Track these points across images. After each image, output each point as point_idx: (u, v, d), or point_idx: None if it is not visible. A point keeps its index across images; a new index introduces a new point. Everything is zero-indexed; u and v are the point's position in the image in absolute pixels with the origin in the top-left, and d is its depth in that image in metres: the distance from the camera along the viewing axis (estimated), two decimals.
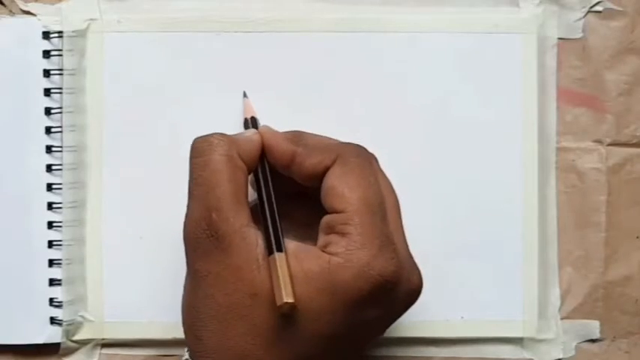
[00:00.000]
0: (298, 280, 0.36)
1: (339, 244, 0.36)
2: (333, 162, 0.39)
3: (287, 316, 0.35)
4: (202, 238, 0.37)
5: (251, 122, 0.44)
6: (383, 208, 0.38)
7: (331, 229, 0.37)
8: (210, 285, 0.37)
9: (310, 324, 0.36)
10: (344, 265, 0.36)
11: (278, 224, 0.38)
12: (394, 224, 0.38)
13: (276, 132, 0.41)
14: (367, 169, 0.39)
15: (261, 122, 0.44)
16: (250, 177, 0.40)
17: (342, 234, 0.37)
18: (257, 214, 0.39)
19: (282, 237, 0.37)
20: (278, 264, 0.35)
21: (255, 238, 0.37)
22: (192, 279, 0.38)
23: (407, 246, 0.39)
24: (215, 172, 0.38)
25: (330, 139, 0.41)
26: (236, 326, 0.36)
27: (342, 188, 0.38)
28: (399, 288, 0.37)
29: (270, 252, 0.36)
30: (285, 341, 0.36)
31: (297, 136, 0.41)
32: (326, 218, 0.38)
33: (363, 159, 0.39)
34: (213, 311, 0.37)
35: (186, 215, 0.38)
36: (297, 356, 0.36)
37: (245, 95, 0.46)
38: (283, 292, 0.35)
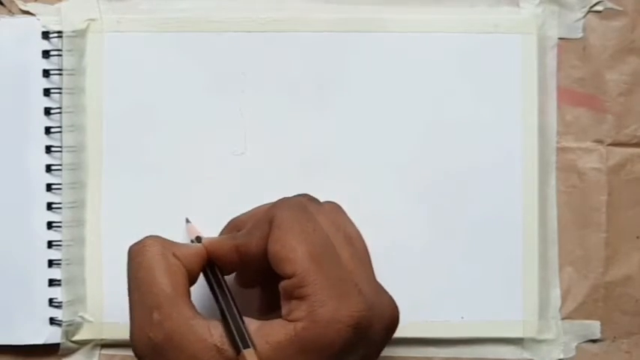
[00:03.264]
0: (269, 357, 0.35)
1: (300, 309, 0.36)
2: (269, 229, 0.38)
3: None
4: (151, 341, 0.36)
5: (196, 241, 0.43)
6: (332, 251, 0.38)
7: (290, 295, 0.37)
8: None
9: None
10: (310, 328, 0.35)
11: (238, 319, 0.37)
12: (352, 262, 0.38)
13: (218, 237, 0.41)
14: (302, 220, 0.38)
15: (263, 121, 0.44)
16: None
17: (301, 297, 0.36)
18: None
19: (245, 330, 0.36)
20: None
21: (206, 328, 0.36)
22: None
23: (372, 277, 0.39)
24: (149, 270, 0.38)
25: (262, 207, 0.42)
26: None
27: (284, 252, 0.37)
28: (373, 327, 0.37)
29: (237, 350, 0.36)
30: None
31: (234, 228, 0.41)
32: (282, 285, 0.37)
33: (294, 211, 0.38)
34: None
35: (130, 322, 0.38)
36: None
37: (188, 221, 0.46)
38: None
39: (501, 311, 0.47)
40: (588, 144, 0.48)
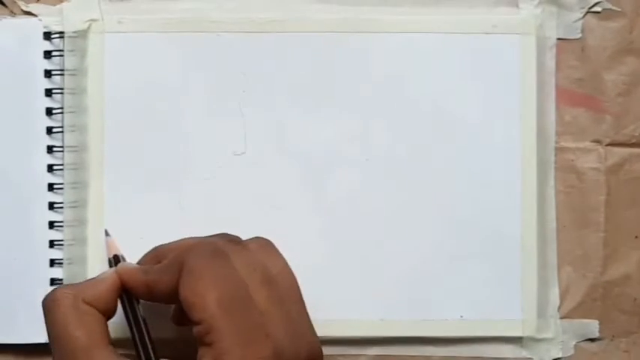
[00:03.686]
0: None
1: (208, 356, 0.36)
2: (180, 273, 0.38)
3: None
4: None
5: (114, 260, 0.43)
6: (245, 295, 0.37)
7: (200, 341, 0.37)
8: None
9: None
10: None
11: (151, 354, 0.38)
12: (267, 304, 0.38)
13: (132, 267, 0.41)
14: (213, 266, 0.38)
15: (263, 121, 0.44)
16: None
17: (208, 344, 0.36)
18: None
19: None
20: None
21: None
22: None
23: (290, 319, 0.38)
24: (63, 326, 0.38)
25: (185, 242, 0.42)
26: None
27: (192, 299, 0.37)
28: None
29: None
30: None
31: (155, 258, 0.41)
32: (194, 330, 0.37)
33: (205, 257, 0.38)
34: None
35: None
36: None
37: (107, 234, 0.46)
38: None
39: (500, 310, 0.47)
40: (587, 144, 0.48)
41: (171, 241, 0.43)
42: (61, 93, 0.46)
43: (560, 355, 0.47)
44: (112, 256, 0.44)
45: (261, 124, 0.47)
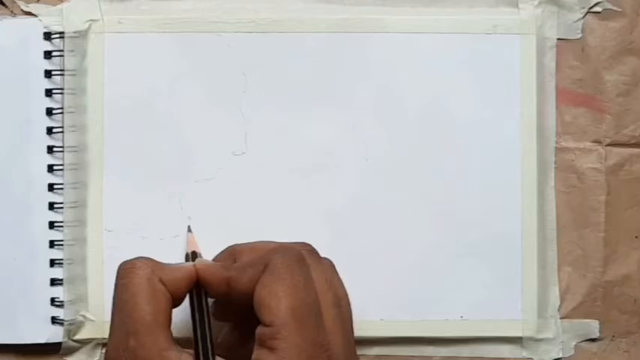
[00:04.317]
0: None
1: None
2: (263, 272, 0.38)
3: None
4: None
5: (191, 257, 0.43)
6: (316, 310, 0.38)
7: (262, 343, 0.37)
8: None
9: None
10: None
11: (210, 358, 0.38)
12: (332, 323, 0.38)
13: (211, 263, 0.41)
14: (296, 272, 0.38)
15: (263, 121, 0.44)
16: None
17: (271, 349, 0.36)
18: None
19: None
20: None
21: None
22: None
23: (349, 343, 0.39)
24: (134, 294, 0.38)
25: (264, 244, 0.42)
26: None
27: (269, 299, 0.37)
28: None
29: None
30: None
31: (231, 257, 0.41)
32: (258, 330, 0.37)
33: (291, 261, 0.38)
34: None
35: (108, 338, 0.38)
36: None
37: (189, 230, 0.46)
38: None
39: (500, 310, 0.47)
40: (587, 144, 0.48)
41: (246, 242, 0.43)
42: (61, 93, 0.46)
43: (560, 356, 0.47)
44: (190, 251, 0.44)
45: (261, 124, 0.47)
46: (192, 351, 0.38)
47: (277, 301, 0.37)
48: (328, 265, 0.41)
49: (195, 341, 0.38)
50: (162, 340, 0.37)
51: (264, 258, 0.39)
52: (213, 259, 0.43)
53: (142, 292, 0.38)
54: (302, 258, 0.39)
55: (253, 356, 0.37)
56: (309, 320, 0.37)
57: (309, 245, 0.41)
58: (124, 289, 0.38)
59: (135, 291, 0.38)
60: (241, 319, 0.42)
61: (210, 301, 0.42)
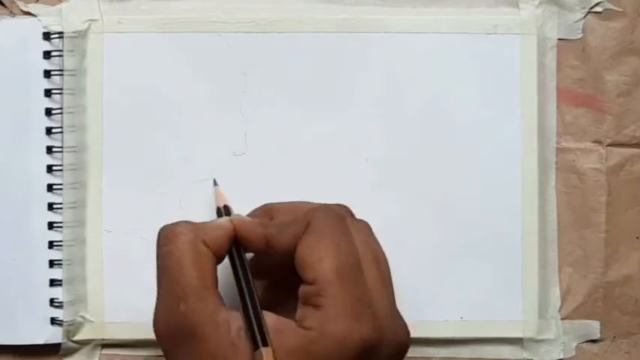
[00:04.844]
0: (280, 356, 0.36)
1: (313, 318, 0.36)
2: (304, 231, 0.38)
3: None
4: (174, 330, 0.37)
5: (224, 211, 0.43)
6: (358, 268, 0.38)
7: (306, 301, 0.37)
8: None
9: None
10: (320, 340, 0.36)
11: (260, 315, 0.37)
12: (374, 281, 0.38)
13: (248, 219, 0.41)
14: (337, 231, 0.38)
15: (263, 121, 0.44)
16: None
17: (316, 306, 0.36)
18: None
19: (265, 326, 0.37)
20: (265, 358, 0.35)
21: (226, 322, 0.37)
22: None
23: (391, 301, 0.39)
24: (179, 260, 0.38)
25: (301, 204, 0.42)
26: None
27: (312, 258, 0.37)
28: (381, 350, 0.37)
29: (255, 346, 0.36)
30: None
31: (267, 214, 0.42)
32: (301, 289, 0.37)
33: (332, 220, 0.39)
34: None
35: (156, 307, 0.38)
36: None
37: (215, 183, 0.46)
38: None
39: (501, 311, 0.47)
40: (588, 144, 0.48)
41: (280, 202, 0.43)
42: (61, 93, 0.46)
43: (561, 357, 0.47)
44: (222, 205, 0.43)
45: (261, 124, 0.47)
46: (238, 311, 0.38)
47: (321, 260, 0.37)
48: (365, 226, 0.41)
49: (242, 298, 0.38)
50: (212, 302, 0.37)
51: (305, 217, 0.39)
52: (248, 216, 0.43)
53: (187, 257, 0.38)
54: (343, 217, 0.40)
55: (297, 314, 0.37)
56: (352, 278, 0.37)
57: (346, 206, 0.42)
58: (168, 256, 0.38)
59: (180, 256, 0.38)
60: (276, 277, 0.42)
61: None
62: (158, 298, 0.38)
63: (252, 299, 0.38)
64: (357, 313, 0.36)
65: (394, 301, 0.40)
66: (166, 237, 0.39)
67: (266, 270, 0.42)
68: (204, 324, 0.37)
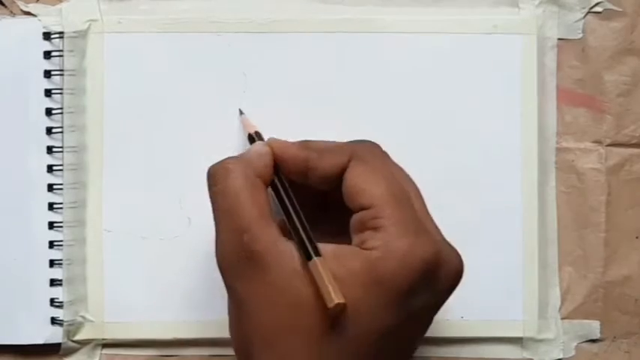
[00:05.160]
0: (343, 280, 0.35)
1: (375, 239, 0.36)
2: (349, 162, 0.39)
3: (337, 318, 0.35)
4: (238, 262, 0.37)
5: (256, 136, 0.43)
6: (408, 197, 0.38)
7: (364, 226, 0.37)
8: (255, 307, 0.37)
9: (360, 321, 0.36)
10: (385, 258, 0.36)
11: (309, 230, 0.37)
12: (422, 212, 0.39)
13: (285, 141, 0.41)
14: (383, 165, 0.39)
15: (263, 121, 0.44)
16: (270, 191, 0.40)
17: (376, 228, 0.37)
18: (284, 229, 0.38)
19: (314, 241, 0.37)
20: (320, 268, 0.35)
21: (289, 250, 0.37)
22: (235, 305, 0.38)
23: (439, 230, 0.40)
24: (236, 196, 0.38)
25: (339, 142, 0.42)
26: (287, 341, 0.36)
27: (364, 185, 0.38)
28: (441, 271, 0.37)
29: (308, 258, 0.36)
30: (337, 344, 0.36)
31: (306, 143, 0.41)
32: (356, 217, 0.38)
33: (376, 155, 0.40)
34: (262, 332, 0.37)
35: (217, 243, 0.39)
36: (350, 356, 0.36)
37: (241, 112, 0.46)
38: (333, 294, 0.34)
39: (501, 311, 0.47)
40: (587, 144, 0.48)
41: None
42: (61, 93, 0.46)
43: (560, 356, 0.47)
44: (253, 132, 0.44)
45: (261, 124, 0.47)
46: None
47: (373, 186, 0.38)
48: (402, 168, 0.42)
49: (291, 222, 0.38)
50: (274, 231, 0.37)
51: (347, 148, 0.40)
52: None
53: (243, 191, 0.38)
54: (385, 155, 0.40)
55: (355, 241, 0.37)
56: (407, 202, 0.38)
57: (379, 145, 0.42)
58: (225, 194, 0.38)
59: (236, 192, 0.38)
60: (312, 206, 0.41)
61: None
62: (218, 235, 0.39)
63: (298, 217, 0.38)
64: (417, 231, 0.37)
65: (440, 230, 0.40)
66: (219, 175, 0.39)
67: (304, 196, 0.42)
68: (268, 252, 0.37)
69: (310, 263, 0.36)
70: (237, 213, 0.38)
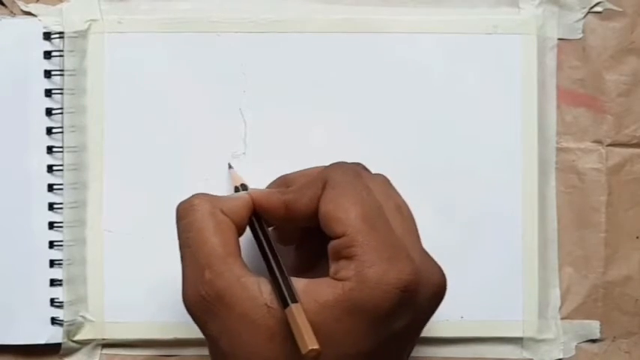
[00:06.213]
0: (317, 314, 0.35)
1: (348, 269, 0.36)
2: (323, 189, 0.38)
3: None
4: (203, 299, 0.37)
5: (241, 188, 0.44)
6: (383, 217, 0.38)
7: (338, 255, 0.37)
8: (227, 344, 0.36)
9: (338, 349, 0.35)
10: (358, 288, 0.35)
11: (285, 274, 0.37)
12: (401, 227, 0.38)
13: (265, 190, 0.42)
14: (357, 184, 0.38)
15: (263, 121, 0.44)
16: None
17: (349, 257, 0.36)
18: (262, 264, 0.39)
19: (292, 285, 0.36)
20: (295, 315, 0.35)
21: (256, 285, 0.36)
22: (209, 343, 0.38)
23: (420, 245, 0.39)
24: (200, 230, 0.38)
25: (315, 168, 0.42)
26: None
27: (336, 212, 0.37)
28: (420, 293, 0.37)
29: (285, 305, 0.35)
30: None
31: (284, 184, 0.42)
32: (331, 245, 0.37)
33: (349, 175, 0.39)
34: None
35: (182, 280, 0.38)
36: None
37: (230, 166, 0.46)
38: (307, 340, 0.34)
39: (501, 311, 0.47)
40: (588, 144, 0.48)
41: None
42: (61, 93, 0.46)
43: (561, 356, 0.47)
44: (239, 184, 0.44)
45: (261, 124, 0.47)
46: (266, 277, 0.37)
47: (345, 212, 0.37)
48: (383, 178, 0.41)
49: (268, 265, 0.38)
50: (237, 267, 0.37)
51: (321, 176, 0.39)
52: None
53: (207, 226, 0.38)
54: (358, 172, 0.40)
55: (331, 271, 0.37)
56: (380, 225, 0.37)
57: (359, 163, 0.42)
58: (189, 228, 0.38)
59: (200, 226, 0.38)
60: (299, 246, 0.42)
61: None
62: (183, 273, 0.38)
63: (276, 262, 0.38)
64: (392, 256, 0.36)
65: (422, 246, 0.40)
66: (184, 210, 0.39)
67: (289, 237, 0.42)
68: (232, 288, 0.36)
69: (286, 311, 0.35)
70: (200, 248, 0.37)
